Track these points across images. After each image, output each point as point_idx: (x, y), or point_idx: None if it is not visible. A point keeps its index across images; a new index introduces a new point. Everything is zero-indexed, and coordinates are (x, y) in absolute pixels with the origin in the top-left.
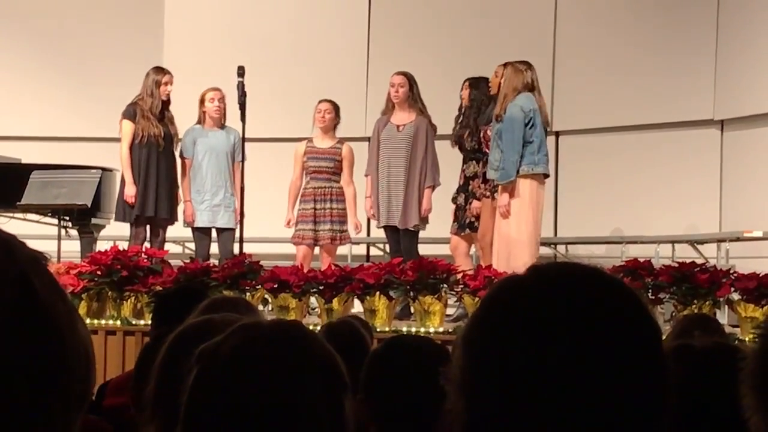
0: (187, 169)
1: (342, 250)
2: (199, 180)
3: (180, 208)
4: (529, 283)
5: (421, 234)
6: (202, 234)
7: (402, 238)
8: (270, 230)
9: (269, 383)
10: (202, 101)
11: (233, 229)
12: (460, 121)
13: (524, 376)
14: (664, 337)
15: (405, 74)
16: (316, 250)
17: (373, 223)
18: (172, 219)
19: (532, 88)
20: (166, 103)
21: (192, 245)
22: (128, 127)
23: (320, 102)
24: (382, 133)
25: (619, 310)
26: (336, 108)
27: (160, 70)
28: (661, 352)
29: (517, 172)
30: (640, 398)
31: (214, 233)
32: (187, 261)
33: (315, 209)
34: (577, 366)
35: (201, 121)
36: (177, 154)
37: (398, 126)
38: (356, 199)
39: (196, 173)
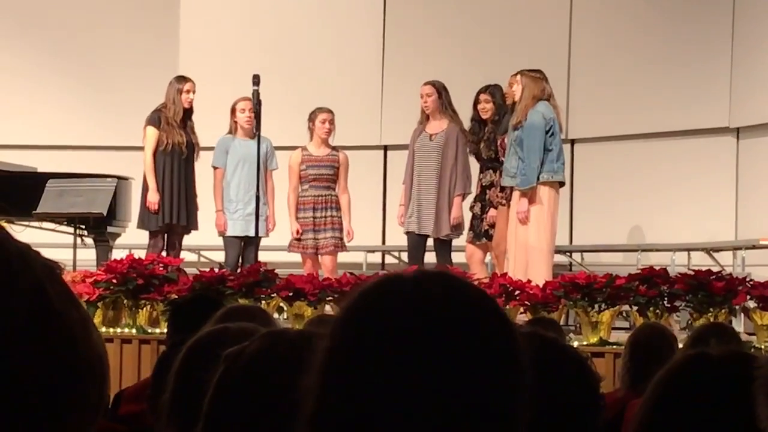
0: (219, 179)
1: (357, 258)
2: (231, 189)
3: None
4: (408, 286)
5: None
6: (233, 243)
7: (435, 247)
8: (285, 238)
9: (290, 386)
10: (233, 111)
11: (260, 238)
12: (476, 132)
13: (383, 375)
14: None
15: (433, 83)
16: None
17: (389, 231)
18: (189, 228)
19: (548, 96)
20: (188, 112)
21: (208, 253)
22: (152, 133)
23: (321, 112)
24: (416, 142)
25: (487, 335)
26: (334, 116)
27: (181, 79)
28: (517, 361)
29: (537, 178)
30: (492, 405)
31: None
32: (204, 269)
33: (314, 218)
34: (431, 378)
35: (233, 130)
36: (197, 162)
37: (431, 135)
38: (350, 207)
39: (229, 183)
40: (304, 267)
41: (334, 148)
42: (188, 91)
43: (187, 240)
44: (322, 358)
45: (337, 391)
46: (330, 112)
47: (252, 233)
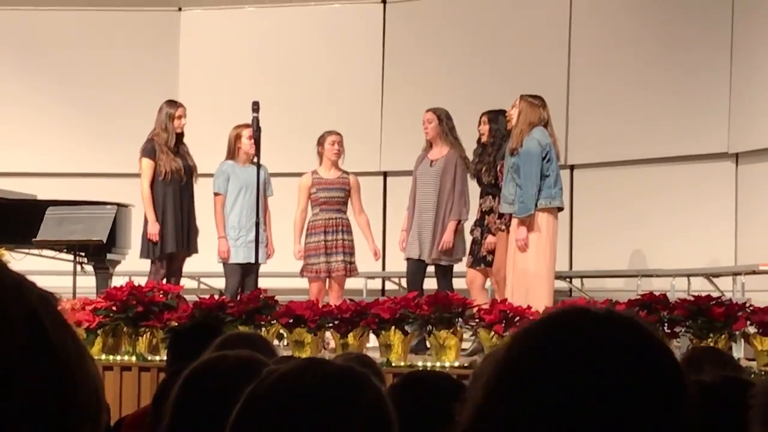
0: (220, 205)
1: (357, 284)
2: (233, 216)
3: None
4: (578, 327)
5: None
6: (235, 270)
7: (436, 273)
8: (285, 265)
9: (313, 412)
10: (238, 137)
11: (259, 265)
12: (480, 154)
13: (550, 413)
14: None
15: (434, 110)
16: (327, 282)
17: (389, 257)
18: (190, 252)
19: (546, 123)
20: (180, 136)
21: (208, 280)
22: (148, 165)
23: (330, 134)
24: (418, 168)
25: (656, 368)
26: (342, 139)
27: (172, 104)
28: (685, 418)
29: (535, 205)
30: None
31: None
32: (203, 296)
33: (326, 241)
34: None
35: (233, 156)
36: (196, 186)
37: (432, 161)
38: (371, 227)
39: (231, 209)
40: (311, 292)
41: (344, 171)
42: (180, 117)
43: (187, 267)
44: (490, 370)
45: (500, 406)
46: (338, 134)
47: (253, 260)
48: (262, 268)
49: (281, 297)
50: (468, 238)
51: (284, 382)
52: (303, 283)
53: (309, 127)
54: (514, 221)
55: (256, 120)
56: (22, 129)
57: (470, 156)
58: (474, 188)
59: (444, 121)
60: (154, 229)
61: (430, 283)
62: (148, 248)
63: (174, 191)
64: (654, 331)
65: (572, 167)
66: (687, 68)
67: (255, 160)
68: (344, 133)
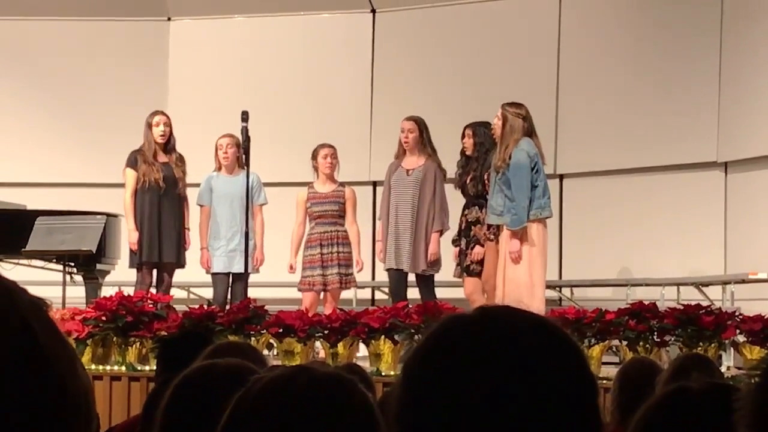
0: (203, 216)
1: (347, 294)
2: (215, 226)
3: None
4: (475, 322)
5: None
6: (220, 279)
7: (418, 283)
8: (275, 275)
9: (301, 418)
10: (215, 149)
11: (248, 274)
12: (463, 166)
13: (461, 411)
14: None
15: (415, 119)
16: (322, 294)
17: (378, 267)
18: (178, 263)
19: (530, 132)
20: (166, 145)
21: (197, 290)
22: (130, 174)
23: (323, 147)
24: (392, 177)
25: (557, 357)
26: (336, 151)
27: (153, 114)
28: (594, 403)
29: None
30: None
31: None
32: (193, 306)
33: (322, 254)
34: (511, 407)
35: (217, 168)
36: (183, 194)
37: (408, 170)
38: (360, 239)
39: (213, 220)
40: (304, 302)
41: (340, 183)
42: (157, 124)
43: (176, 277)
44: (395, 403)
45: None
46: (331, 147)
47: (235, 269)
48: (254, 278)
49: (271, 307)
50: (450, 249)
51: (272, 388)
52: (294, 293)
53: (298, 137)
54: (506, 233)
55: (245, 129)
56: (11, 139)
57: (453, 167)
58: (459, 199)
59: (424, 131)
60: (131, 237)
61: (414, 293)
62: (131, 257)
63: (151, 200)
64: (534, 319)
65: (561, 176)
66: (676, 77)
67: (245, 168)
68: (333, 142)
